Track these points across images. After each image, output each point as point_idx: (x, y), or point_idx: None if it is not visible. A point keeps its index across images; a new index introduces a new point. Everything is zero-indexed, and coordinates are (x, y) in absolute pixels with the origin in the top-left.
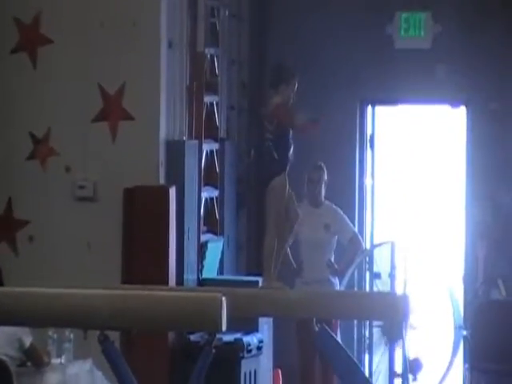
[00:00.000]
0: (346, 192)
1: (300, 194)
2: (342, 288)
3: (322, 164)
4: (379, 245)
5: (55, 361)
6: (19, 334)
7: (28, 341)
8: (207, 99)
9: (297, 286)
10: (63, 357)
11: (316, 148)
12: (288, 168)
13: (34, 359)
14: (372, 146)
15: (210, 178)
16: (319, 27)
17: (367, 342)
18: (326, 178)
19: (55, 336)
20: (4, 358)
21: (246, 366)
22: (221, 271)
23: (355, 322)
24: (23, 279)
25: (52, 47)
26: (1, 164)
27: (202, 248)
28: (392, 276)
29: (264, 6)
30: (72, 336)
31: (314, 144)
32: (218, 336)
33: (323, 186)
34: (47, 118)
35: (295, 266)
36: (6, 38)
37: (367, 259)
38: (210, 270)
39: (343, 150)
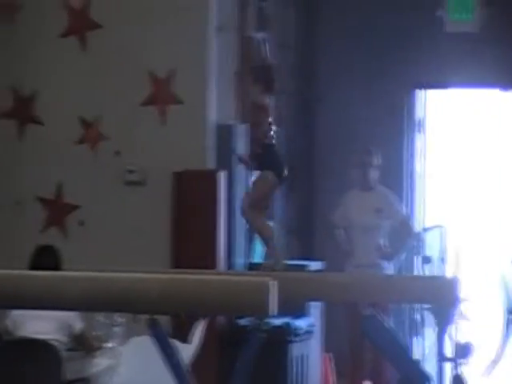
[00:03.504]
0: (397, 176)
1: (350, 179)
2: (393, 272)
3: (372, 148)
4: (430, 229)
5: (105, 345)
6: (69, 320)
7: (78, 326)
8: None
9: (347, 269)
10: (113, 341)
11: (366, 132)
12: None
13: (83, 344)
14: (423, 130)
15: None
16: (368, 10)
17: (418, 325)
18: (377, 162)
19: (105, 320)
20: (54, 343)
21: (295, 350)
22: None
23: (406, 305)
24: (73, 264)
25: (101, 32)
26: (51, 149)
27: (251, 232)
28: (442, 260)
29: None
30: (122, 320)
31: (363, 128)
32: (267, 320)
33: (374, 170)
34: (97, 102)
35: (347, 249)
36: (56, 23)
37: (418, 243)
38: (260, 255)
39: (393, 134)
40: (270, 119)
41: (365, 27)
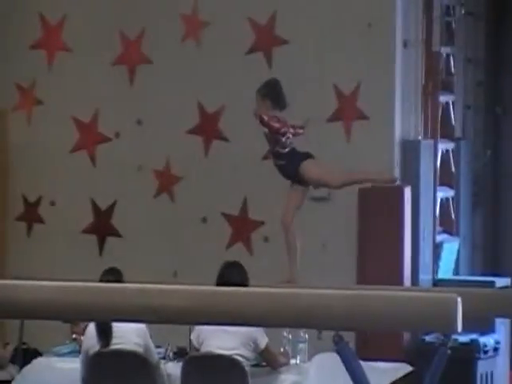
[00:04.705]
0: None
1: None
2: None
3: None
4: None
5: (291, 361)
6: (254, 335)
7: (263, 342)
8: (442, 98)
9: None
10: (298, 357)
11: None
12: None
13: (268, 360)
14: None
15: (445, 177)
16: None
17: None
18: None
19: (290, 336)
20: (239, 358)
21: (482, 367)
22: (456, 271)
23: None
24: (258, 280)
25: (287, 47)
26: (237, 165)
27: (437, 248)
28: None
29: (501, 4)
30: (307, 336)
31: None
32: (453, 337)
33: None
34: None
35: None
36: (242, 39)
37: None
38: (446, 271)
39: None
40: (288, 135)
41: None
